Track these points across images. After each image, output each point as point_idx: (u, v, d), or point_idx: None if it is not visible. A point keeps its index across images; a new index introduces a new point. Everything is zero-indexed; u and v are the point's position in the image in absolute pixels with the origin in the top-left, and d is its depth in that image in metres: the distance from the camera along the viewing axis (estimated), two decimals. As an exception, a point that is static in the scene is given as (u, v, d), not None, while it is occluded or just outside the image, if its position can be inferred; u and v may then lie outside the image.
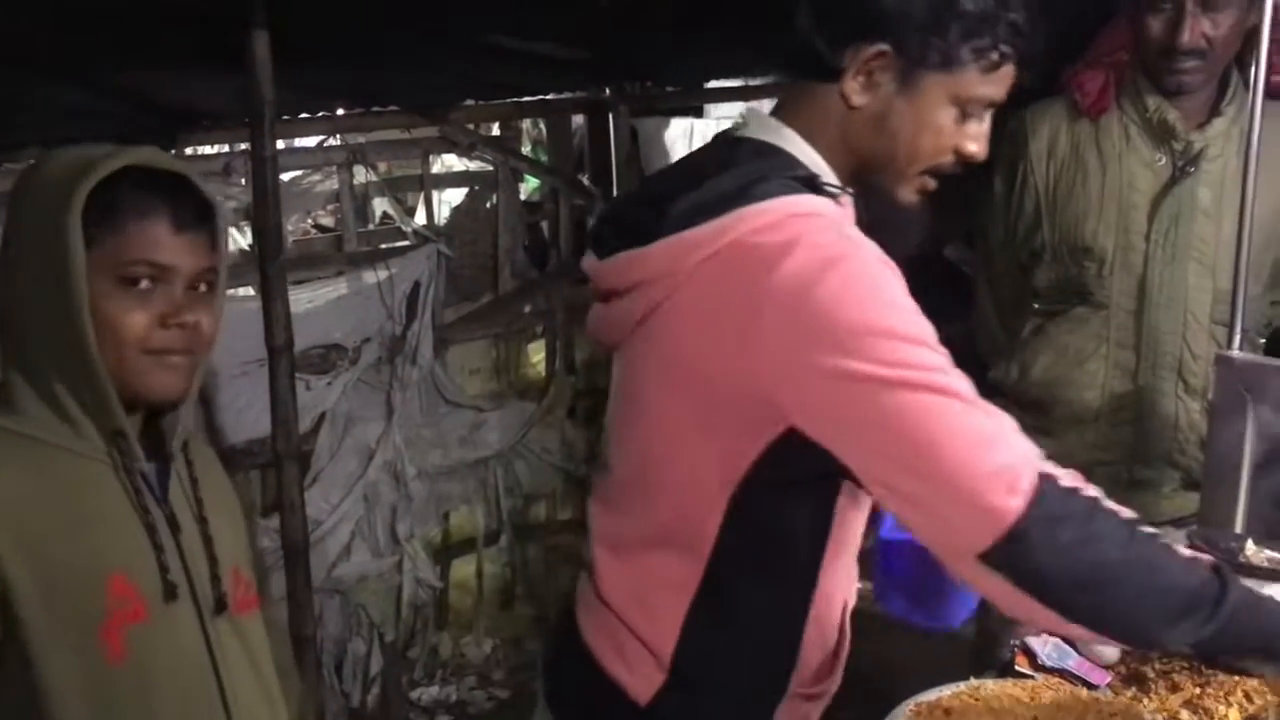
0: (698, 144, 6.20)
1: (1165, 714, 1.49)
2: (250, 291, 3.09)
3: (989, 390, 2.34)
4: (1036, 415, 2.17)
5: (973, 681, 1.50)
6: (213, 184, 3.37)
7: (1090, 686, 1.54)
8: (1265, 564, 1.52)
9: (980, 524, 1.12)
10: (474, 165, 3.96)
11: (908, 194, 1.34)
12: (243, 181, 3.19)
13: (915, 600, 1.46)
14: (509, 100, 4.03)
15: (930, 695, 1.48)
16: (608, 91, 4.43)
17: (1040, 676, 1.56)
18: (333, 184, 3.59)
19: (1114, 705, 1.43)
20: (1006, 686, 1.48)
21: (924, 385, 1.14)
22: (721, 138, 1.40)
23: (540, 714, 1.49)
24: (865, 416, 1.15)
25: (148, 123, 2.96)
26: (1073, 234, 2.12)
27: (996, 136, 2.23)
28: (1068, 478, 1.17)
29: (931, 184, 1.34)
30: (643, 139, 6.32)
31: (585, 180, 4.40)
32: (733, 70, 5.11)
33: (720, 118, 6.37)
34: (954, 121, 1.30)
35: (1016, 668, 1.59)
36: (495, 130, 4.54)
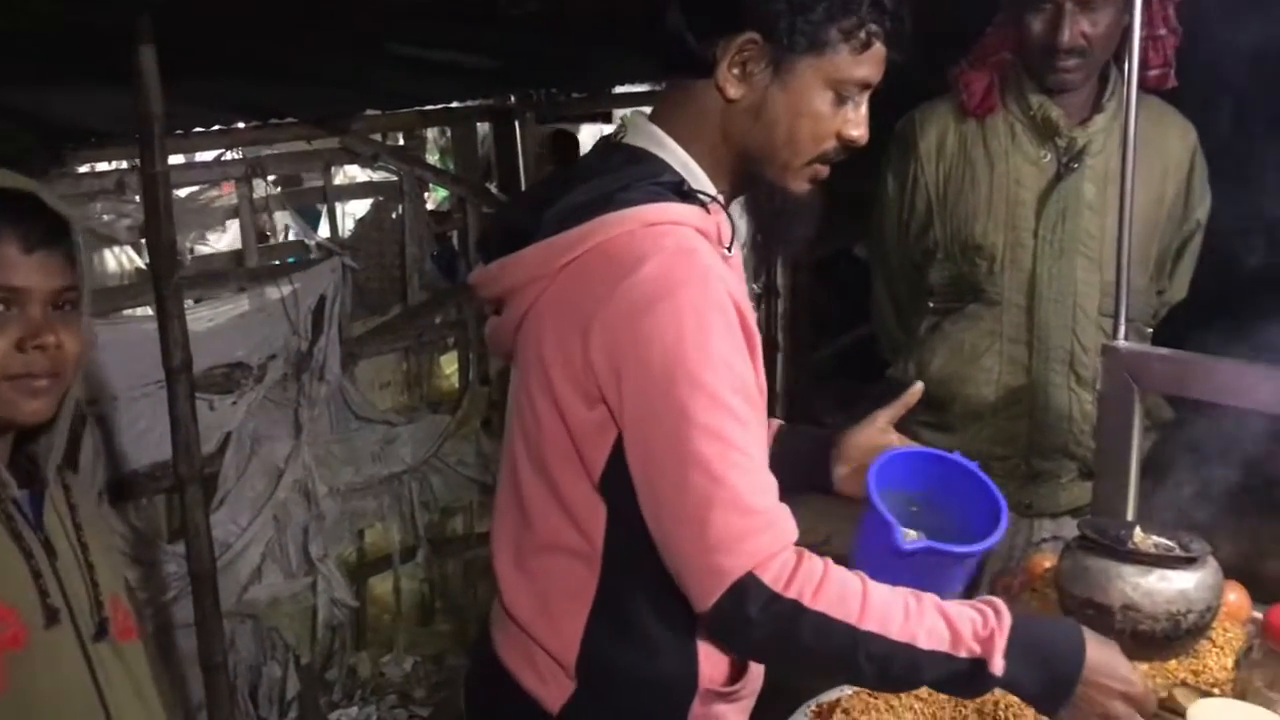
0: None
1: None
2: (149, 311, 3.02)
3: (890, 389, 2.37)
4: (935, 412, 2.19)
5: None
6: (105, 202, 3.28)
7: (988, 678, 1.56)
8: (1153, 550, 1.55)
9: (694, 595, 1.20)
10: (378, 176, 3.91)
11: (798, 185, 1.35)
12: (136, 199, 3.11)
13: None
14: (412, 109, 3.98)
15: (830, 696, 1.49)
16: (513, 99, 4.41)
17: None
18: (233, 199, 3.51)
19: (1008, 696, 1.44)
20: (905, 683, 1.48)
21: (702, 453, 1.18)
22: (601, 143, 1.40)
23: None
24: (651, 452, 1.20)
25: (31, 141, 2.87)
26: (963, 232, 2.16)
27: (886, 137, 2.28)
28: (803, 579, 1.18)
29: (823, 172, 1.35)
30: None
31: (493, 189, 4.36)
32: (640, 75, 5.12)
33: (631, 122, 6.38)
34: (831, 106, 1.30)
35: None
36: (400, 140, 4.48)
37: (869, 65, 1.30)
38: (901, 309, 2.37)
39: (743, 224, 1.43)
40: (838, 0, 1.26)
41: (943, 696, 1.45)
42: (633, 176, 1.29)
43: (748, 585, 1.16)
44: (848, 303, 2.65)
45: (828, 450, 1.53)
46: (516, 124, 4.52)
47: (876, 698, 1.45)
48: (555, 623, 1.34)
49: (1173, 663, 1.53)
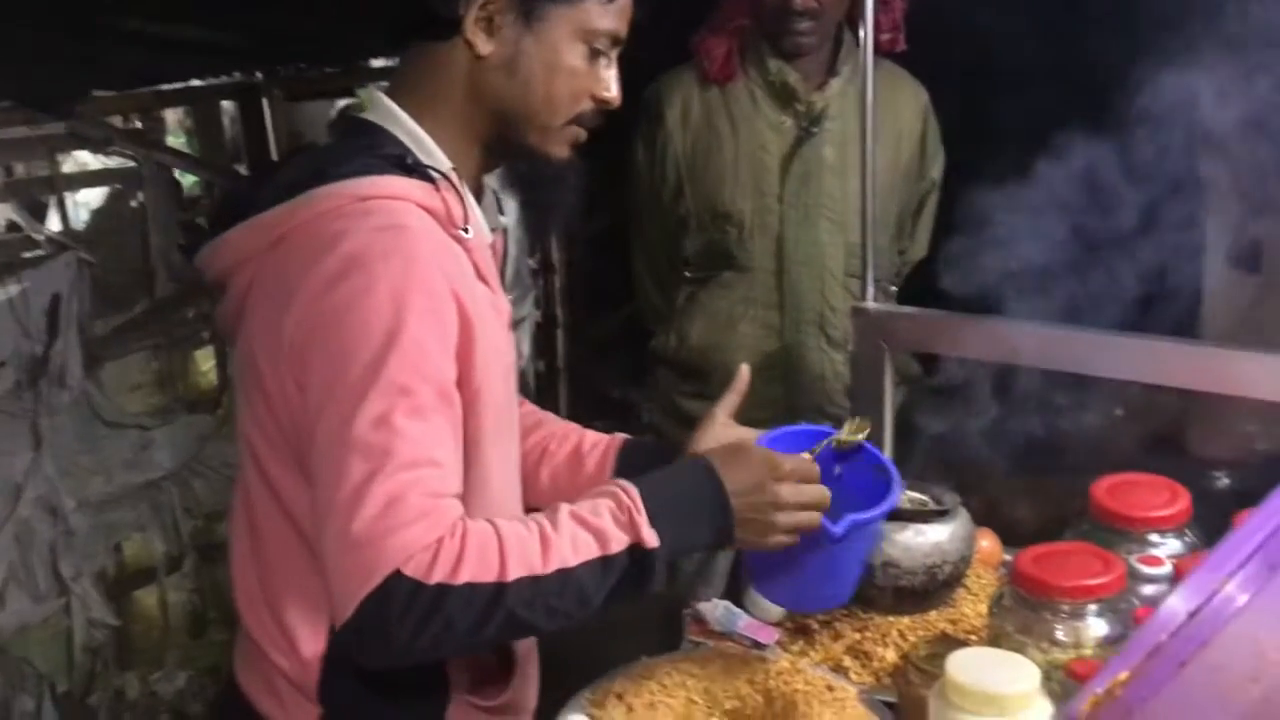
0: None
1: (830, 663, 1.54)
2: None
3: (653, 358, 2.38)
4: (697, 381, 2.21)
5: (644, 661, 1.49)
6: None
7: (759, 646, 1.57)
8: (908, 505, 1.58)
9: (338, 597, 1.10)
10: (114, 162, 3.64)
11: (559, 149, 1.30)
12: None
13: (788, 587, 1.39)
14: (149, 89, 3.72)
15: (604, 681, 1.46)
16: (260, 76, 4.19)
17: (711, 642, 1.57)
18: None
19: (778, 664, 1.45)
20: (677, 660, 1.48)
21: (366, 443, 1.10)
22: (335, 118, 1.34)
23: None
24: (320, 437, 1.13)
25: None
26: (712, 200, 2.17)
27: (634, 106, 2.27)
28: (445, 559, 1.09)
29: (581, 135, 1.31)
30: (304, 125, 6.05)
31: (243, 171, 4.14)
32: (395, 48, 4.96)
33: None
34: (585, 61, 1.27)
35: (690, 637, 1.60)
36: (137, 123, 4.18)
37: (617, 16, 1.27)
38: (660, 280, 2.37)
39: (513, 205, 1.38)
40: None
41: (715, 668, 1.45)
42: (350, 149, 1.23)
43: (391, 587, 1.06)
44: (627, 275, 2.64)
45: (676, 457, 1.45)
46: (264, 102, 4.33)
47: (649, 678, 1.43)
48: (292, 641, 1.25)
49: (932, 614, 1.58)
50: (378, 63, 5.34)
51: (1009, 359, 1.77)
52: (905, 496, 1.61)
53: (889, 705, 1.42)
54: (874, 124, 1.80)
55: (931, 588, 1.54)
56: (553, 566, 1.13)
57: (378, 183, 1.19)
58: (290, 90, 4.45)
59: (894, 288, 2.27)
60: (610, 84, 1.29)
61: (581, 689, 1.46)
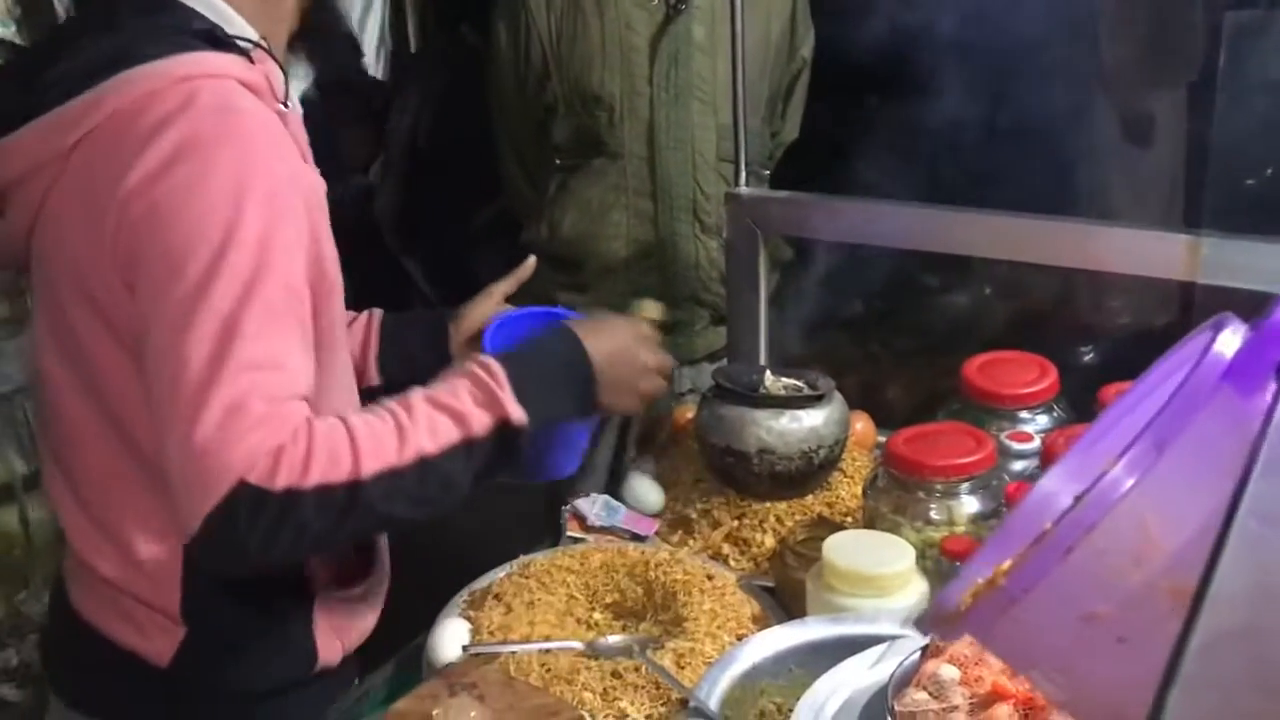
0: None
1: (710, 551, 1.54)
2: None
3: (524, 250, 2.32)
4: (569, 272, 2.16)
5: (522, 559, 1.47)
6: None
7: (639, 538, 1.56)
8: (783, 391, 1.58)
9: (184, 510, 1.03)
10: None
11: None
12: None
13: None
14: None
15: (482, 582, 1.44)
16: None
17: (592, 538, 1.56)
18: None
19: (657, 555, 1.44)
20: (556, 557, 1.46)
21: (204, 347, 1.01)
22: None
23: (53, 712, 1.31)
24: (156, 340, 1.04)
25: None
26: (581, 84, 2.09)
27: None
28: (290, 463, 1.03)
29: None
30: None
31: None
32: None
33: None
34: None
35: (569, 533, 1.58)
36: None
37: None
38: (529, 169, 2.30)
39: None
40: None
41: (594, 563, 1.43)
42: (149, 27, 1.09)
43: (236, 497, 1.00)
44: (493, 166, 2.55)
45: (443, 330, 1.44)
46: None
47: (527, 577, 1.41)
48: (146, 569, 1.17)
49: (809, 498, 1.58)
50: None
51: (881, 241, 1.76)
52: (780, 382, 1.61)
53: (768, 590, 1.43)
54: (743, 2, 1.74)
55: (808, 472, 1.54)
56: (410, 456, 1.08)
57: (195, 60, 1.07)
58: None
59: (766, 171, 2.23)
60: None
61: (459, 591, 1.43)
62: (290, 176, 1.09)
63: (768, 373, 1.61)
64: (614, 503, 1.61)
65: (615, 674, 1.24)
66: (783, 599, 1.41)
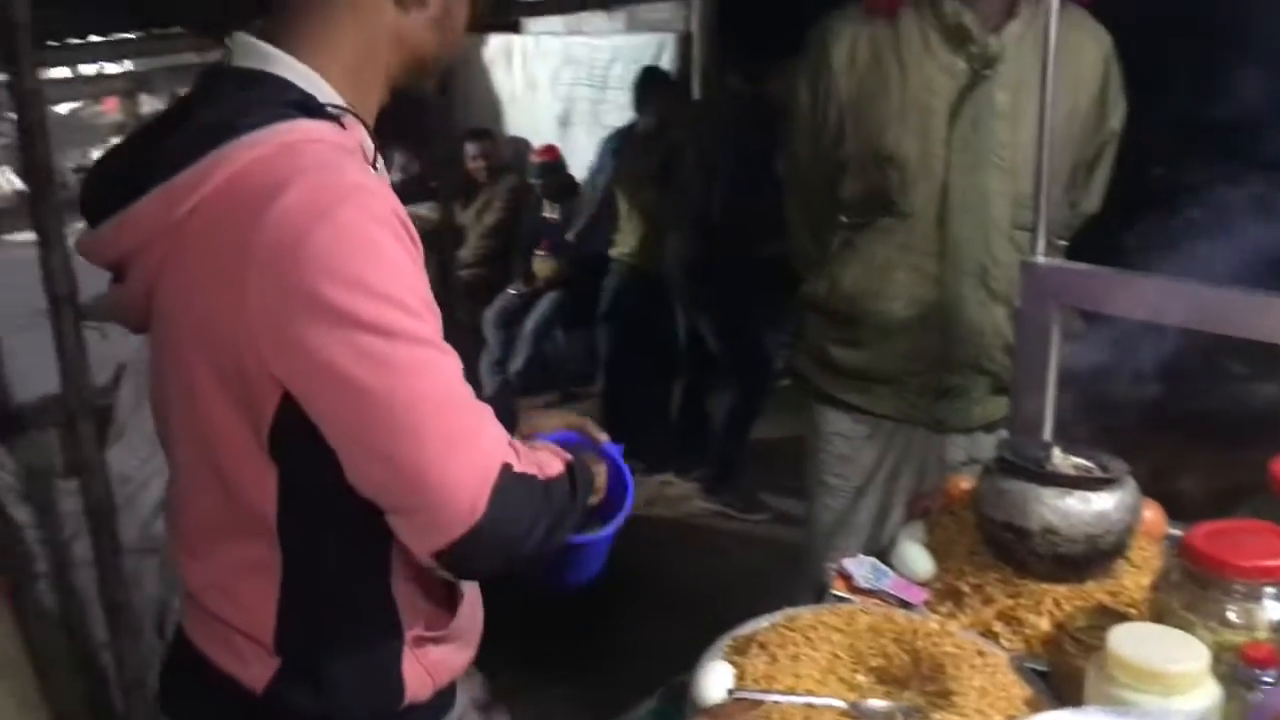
0: (519, 64, 6.06)
1: (980, 627, 1.50)
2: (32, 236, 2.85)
3: (802, 304, 2.34)
4: (847, 329, 2.16)
5: (787, 611, 1.47)
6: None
7: (906, 605, 1.53)
8: (1072, 471, 1.52)
9: (438, 529, 1.09)
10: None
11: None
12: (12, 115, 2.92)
13: (546, 574, 1.43)
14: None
15: (746, 629, 1.45)
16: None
17: (857, 599, 1.55)
18: (118, 116, 3.33)
19: (927, 625, 1.42)
20: (822, 614, 1.45)
21: (407, 363, 1.07)
22: (204, 74, 1.24)
23: None
24: (344, 392, 1.07)
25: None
26: (875, 143, 2.10)
27: (798, 49, 2.21)
28: (524, 456, 1.17)
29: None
30: (456, 60, 6.09)
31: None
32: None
33: (542, 33, 6.18)
34: None
35: (834, 591, 1.57)
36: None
37: None
38: (815, 224, 2.32)
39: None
40: None
41: (861, 625, 1.42)
42: (245, 100, 1.13)
43: (502, 489, 1.10)
44: (770, 219, 2.59)
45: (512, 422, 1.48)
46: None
47: (793, 629, 1.41)
48: (243, 604, 1.24)
49: (1091, 584, 1.51)
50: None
51: (1183, 322, 1.67)
52: (1069, 460, 1.55)
53: (1040, 674, 1.37)
54: (1054, 70, 1.71)
55: (1092, 557, 1.48)
56: (549, 473, 1.21)
57: (294, 128, 1.12)
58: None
59: (1064, 242, 2.16)
60: None
61: (722, 635, 1.45)
62: (401, 220, 1.12)
63: (1055, 449, 1.55)
64: (882, 566, 1.59)
65: (876, 737, 1.23)
66: (1057, 685, 1.36)
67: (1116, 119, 2.16)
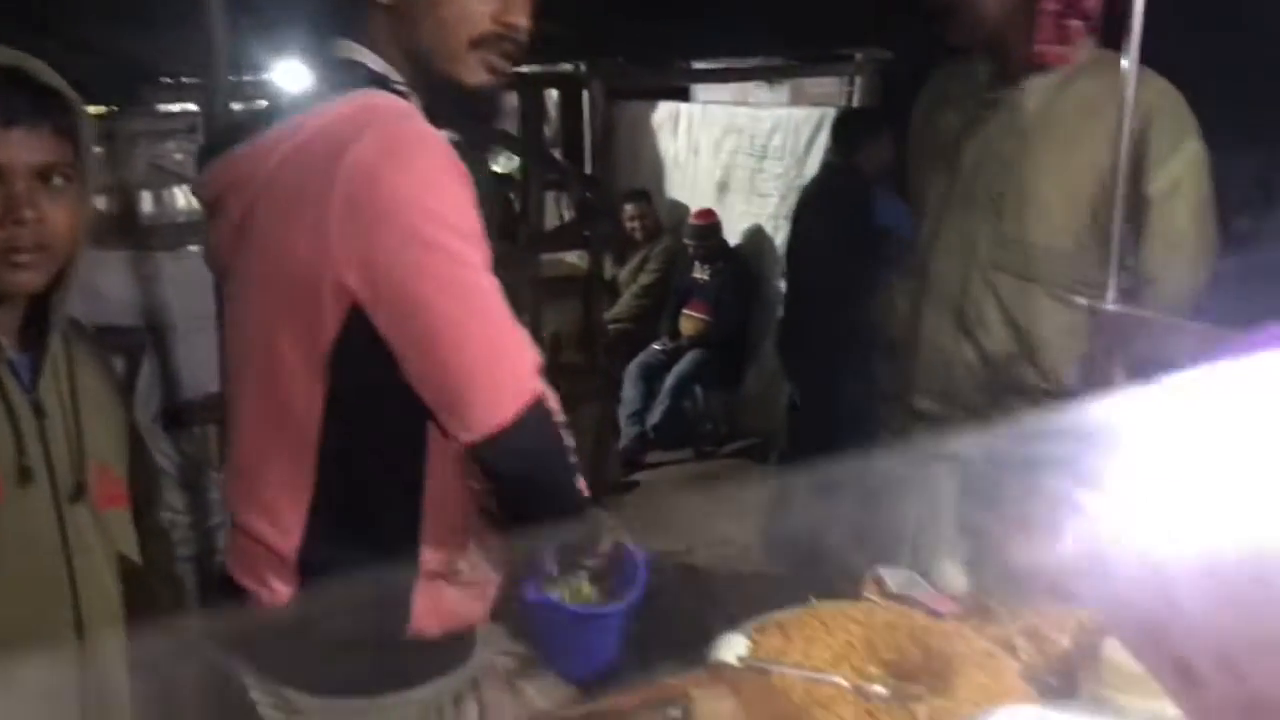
0: (684, 130, 6.23)
1: (1002, 641, 1.55)
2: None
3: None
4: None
5: (814, 602, 1.56)
6: (177, 140, 3.45)
7: (934, 614, 1.60)
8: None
9: (480, 417, 1.25)
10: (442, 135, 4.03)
11: (471, 75, 1.38)
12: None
13: (560, 653, 1.53)
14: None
15: (773, 615, 1.55)
16: (583, 67, 4.48)
17: (885, 602, 1.62)
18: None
19: (942, 626, 1.48)
20: (845, 608, 1.54)
21: (465, 282, 1.24)
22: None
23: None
24: (409, 293, 1.23)
25: (108, 74, 3.03)
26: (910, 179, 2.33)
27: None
28: (555, 400, 1.32)
29: (498, 62, 1.39)
30: (625, 124, 6.35)
31: (558, 155, 4.47)
32: (720, 49, 5.15)
33: (708, 101, 6.42)
34: None
35: (866, 595, 1.65)
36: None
37: None
38: None
39: None
40: None
41: (879, 620, 1.50)
42: (339, 72, 1.35)
43: (536, 406, 1.27)
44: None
45: None
46: (584, 93, 4.62)
47: (814, 617, 1.50)
48: (277, 520, 1.36)
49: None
50: (699, 64, 5.59)
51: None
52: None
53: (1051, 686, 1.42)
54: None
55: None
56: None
57: (377, 94, 1.31)
58: (611, 87, 4.76)
59: (1081, 300, 2.08)
60: (510, 9, 1.36)
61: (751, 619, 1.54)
62: (460, 167, 1.28)
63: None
64: (918, 579, 1.66)
65: (870, 713, 1.31)
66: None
67: (1154, 184, 2.02)
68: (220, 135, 1.43)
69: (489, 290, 1.27)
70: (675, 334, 5.76)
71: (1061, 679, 1.43)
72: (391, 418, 1.32)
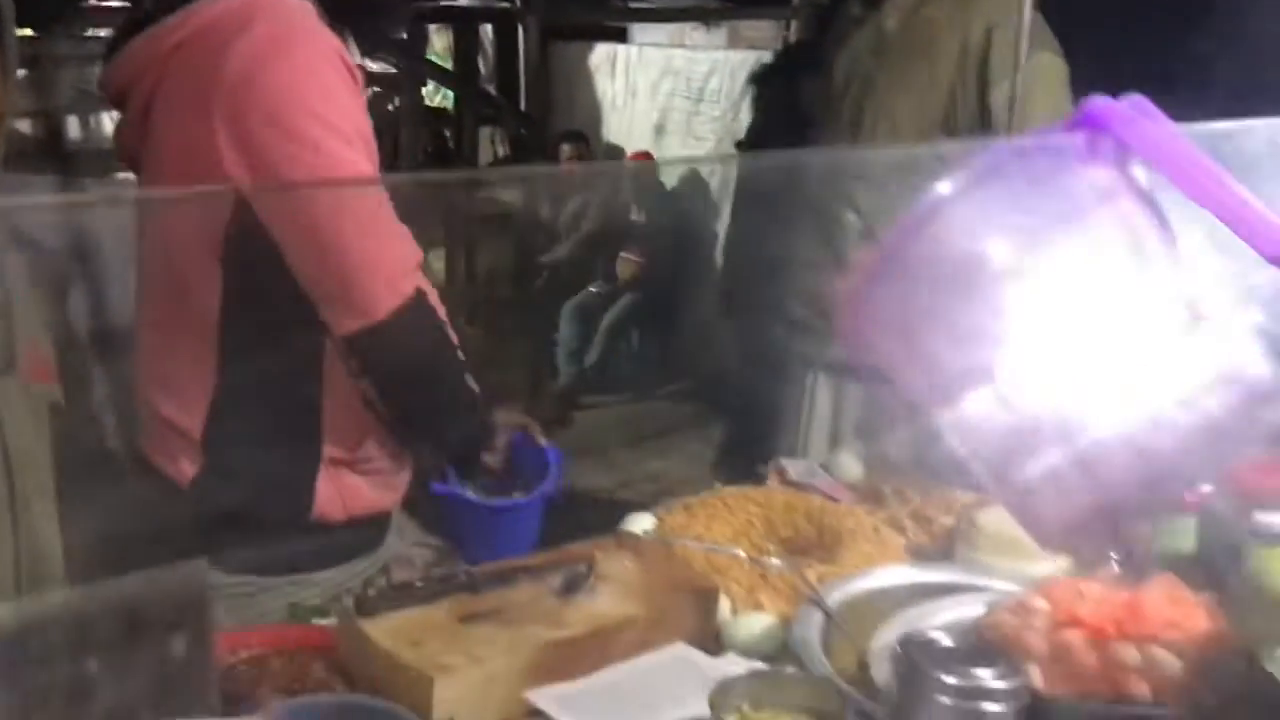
0: (621, 73, 6.27)
1: (891, 522, 1.65)
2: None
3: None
4: None
5: (718, 487, 1.65)
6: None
7: (831, 500, 1.69)
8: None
9: (354, 309, 1.32)
10: (376, 67, 4.05)
11: None
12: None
13: (472, 546, 1.57)
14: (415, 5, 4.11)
15: (680, 499, 1.63)
16: (518, 3, 4.50)
17: (786, 489, 1.71)
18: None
19: (836, 507, 1.58)
20: (748, 491, 1.63)
21: (339, 177, 1.30)
22: None
23: None
24: (290, 196, 1.32)
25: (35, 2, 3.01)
26: None
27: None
28: (434, 295, 1.38)
29: None
30: (562, 65, 6.36)
31: (492, 90, 4.49)
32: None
33: (645, 43, 6.44)
34: None
35: (768, 484, 1.74)
36: (404, 35, 4.60)
37: None
38: None
39: None
40: None
41: (777, 502, 1.59)
42: None
43: (415, 300, 1.34)
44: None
45: None
46: (520, 29, 4.64)
47: (717, 499, 1.59)
48: (182, 399, 1.41)
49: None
50: (635, 3, 5.61)
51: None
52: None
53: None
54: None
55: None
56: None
57: None
58: (547, 24, 4.78)
59: None
60: None
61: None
62: (346, 63, 1.34)
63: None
64: (819, 469, 1.75)
65: (763, 577, 1.40)
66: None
67: (994, 97, 2.09)
68: (121, 30, 1.46)
69: (366, 187, 1.32)
70: (611, 277, 5.83)
71: (942, 551, 1.54)
72: (285, 305, 1.37)
